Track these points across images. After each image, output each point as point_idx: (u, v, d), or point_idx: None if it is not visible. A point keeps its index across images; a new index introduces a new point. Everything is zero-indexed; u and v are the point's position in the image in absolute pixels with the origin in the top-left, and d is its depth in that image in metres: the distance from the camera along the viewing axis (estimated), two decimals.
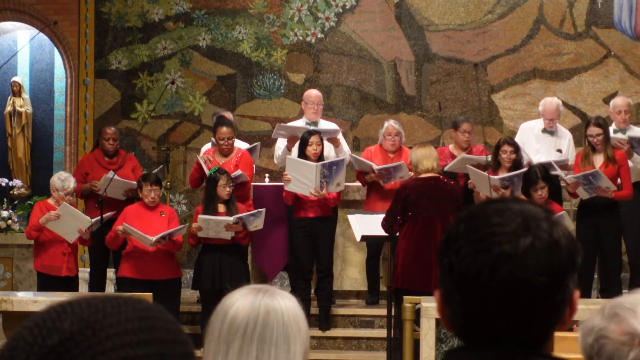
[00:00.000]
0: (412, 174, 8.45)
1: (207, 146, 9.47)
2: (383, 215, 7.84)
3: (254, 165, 9.07)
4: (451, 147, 9.16)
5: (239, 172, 8.54)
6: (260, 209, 8.26)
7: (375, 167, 8.66)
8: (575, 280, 1.62)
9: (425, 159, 7.50)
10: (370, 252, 9.11)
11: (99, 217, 8.37)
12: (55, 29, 11.34)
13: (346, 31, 11.28)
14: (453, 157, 8.90)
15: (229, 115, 9.45)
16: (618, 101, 9.21)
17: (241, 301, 1.98)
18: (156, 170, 9.24)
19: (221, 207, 8.21)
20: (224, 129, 8.64)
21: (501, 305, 1.56)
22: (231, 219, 8.05)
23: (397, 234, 7.55)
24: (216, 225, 8.06)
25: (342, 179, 8.53)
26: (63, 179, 8.50)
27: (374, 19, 11.26)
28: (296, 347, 1.96)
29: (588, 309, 6.33)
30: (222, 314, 1.98)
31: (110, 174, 8.70)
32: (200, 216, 8.06)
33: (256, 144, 9.54)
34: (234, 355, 1.94)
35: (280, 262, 9.31)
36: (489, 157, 8.61)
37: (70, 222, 8.25)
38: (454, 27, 11.16)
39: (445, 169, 8.55)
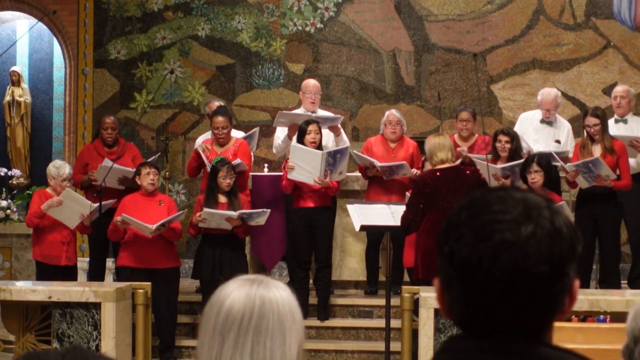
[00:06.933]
0: (415, 170, 8.56)
1: (206, 136, 9.45)
2: (382, 205, 7.81)
3: (252, 155, 9.06)
4: (455, 136, 9.14)
5: (238, 161, 8.51)
6: (266, 209, 8.24)
7: (378, 164, 8.64)
8: (575, 269, 1.61)
9: (439, 150, 7.36)
10: (370, 242, 9.10)
11: (98, 205, 8.34)
12: (55, 19, 11.32)
13: (345, 21, 11.27)
14: (457, 146, 8.88)
15: (218, 104, 9.39)
16: (617, 88, 9.33)
17: (236, 293, 1.96)
18: (152, 158, 9.18)
19: (222, 198, 8.20)
20: (219, 119, 8.61)
21: (502, 294, 1.55)
22: (236, 214, 8.04)
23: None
24: (220, 217, 8.07)
25: (345, 168, 8.53)
26: (58, 166, 8.51)
27: (374, 9, 11.24)
28: (291, 338, 1.94)
29: (587, 300, 6.34)
30: (217, 306, 1.97)
31: (107, 162, 8.66)
32: (206, 210, 8.04)
33: (254, 130, 9.50)
34: (229, 348, 1.93)
35: (278, 252, 9.31)
36: (489, 156, 8.59)
37: (72, 207, 8.25)
38: (453, 17, 11.15)
39: None
